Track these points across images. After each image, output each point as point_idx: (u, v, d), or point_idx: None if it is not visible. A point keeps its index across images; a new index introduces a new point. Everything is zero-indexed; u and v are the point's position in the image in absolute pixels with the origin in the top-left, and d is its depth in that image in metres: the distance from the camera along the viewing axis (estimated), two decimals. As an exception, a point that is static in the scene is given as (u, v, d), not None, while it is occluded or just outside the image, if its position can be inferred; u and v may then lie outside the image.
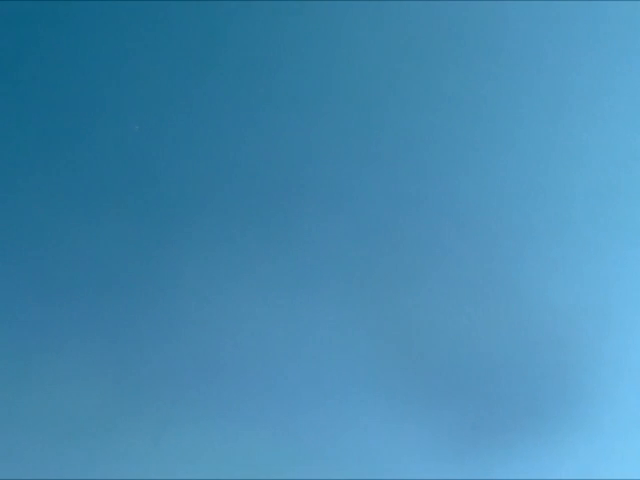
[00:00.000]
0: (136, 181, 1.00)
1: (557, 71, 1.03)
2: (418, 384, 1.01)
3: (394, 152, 1.03)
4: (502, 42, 1.03)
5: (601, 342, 1.01)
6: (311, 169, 1.02)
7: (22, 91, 0.99)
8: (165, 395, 1.01)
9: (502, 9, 1.03)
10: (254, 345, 1.01)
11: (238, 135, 1.01)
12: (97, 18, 0.99)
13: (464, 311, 1.01)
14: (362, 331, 1.01)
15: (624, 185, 1.03)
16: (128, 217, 1.00)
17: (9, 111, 0.97)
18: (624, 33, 1.04)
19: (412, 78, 1.02)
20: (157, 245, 1.00)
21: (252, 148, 1.01)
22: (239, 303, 1.01)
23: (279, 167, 1.02)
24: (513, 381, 1.01)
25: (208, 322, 1.01)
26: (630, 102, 1.03)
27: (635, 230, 1.02)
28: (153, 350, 1.00)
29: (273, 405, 1.01)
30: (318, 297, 1.01)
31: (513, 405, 1.01)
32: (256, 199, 1.01)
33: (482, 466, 1.00)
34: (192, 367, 1.00)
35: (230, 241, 1.01)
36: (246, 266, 1.01)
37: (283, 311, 1.01)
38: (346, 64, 1.02)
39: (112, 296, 1.00)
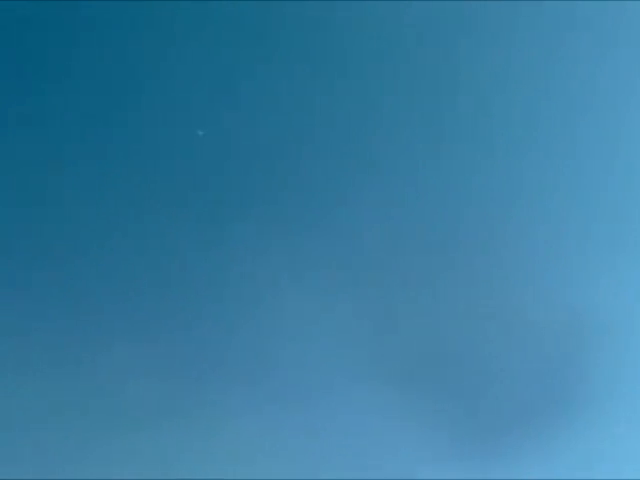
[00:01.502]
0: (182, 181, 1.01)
1: (558, 70, 1.04)
2: (417, 382, 1.01)
3: (394, 154, 1.03)
4: (502, 41, 1.03)
5: (602, 342, 1.01)
6: (320, 169, 1.03)
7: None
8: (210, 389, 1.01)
9: (500, 9, 1.03)
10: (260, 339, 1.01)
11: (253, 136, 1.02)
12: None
13: (466, 310, 1.01)
14: (364, 329, 1.02)
15: (627, 185, 1.03)
16: (179, 216, 1.01)
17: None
18: (626, 34, 1.04)
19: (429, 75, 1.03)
20: (202, 244, 1.01)
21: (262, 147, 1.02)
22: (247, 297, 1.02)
23: (282, 168, 1.03)
24: (513, 380, 1.01)
25: (210, 317, 1.01)
26: (631, 101, 1.03)
27: (636, 228, 1.02)
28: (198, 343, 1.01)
29: (275, 400, 1.01)
30: (322, 290, 1.02)
31: (513, 404, 1.01)
32: (270, 198, 1.02)
33: (481, 466, 1.00)
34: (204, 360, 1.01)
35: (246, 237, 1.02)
36: (257, 261, 1.02)
37: (286, 302, 1.02)
38: (354, 64, 1.03)
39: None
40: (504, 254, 1.02)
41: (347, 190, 1.03)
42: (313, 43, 1.03)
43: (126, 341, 1.00)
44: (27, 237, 1.01)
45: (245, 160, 1.02)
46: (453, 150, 1.03)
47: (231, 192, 1.02)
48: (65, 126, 1.01)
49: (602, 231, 1.03)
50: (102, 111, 1.01)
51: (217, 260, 1.01)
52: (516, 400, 1.01)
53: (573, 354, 1.01)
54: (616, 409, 1.01)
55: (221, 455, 1.00)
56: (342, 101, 1.03)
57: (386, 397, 1.01)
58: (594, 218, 1.03)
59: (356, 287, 1.02)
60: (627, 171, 1.04)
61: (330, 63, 1.03)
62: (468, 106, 1.04)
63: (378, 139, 1.03)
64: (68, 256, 1.01)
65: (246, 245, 1.01)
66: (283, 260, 1.02)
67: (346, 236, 1.02)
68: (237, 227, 1.01)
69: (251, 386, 1.01)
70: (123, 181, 1.01)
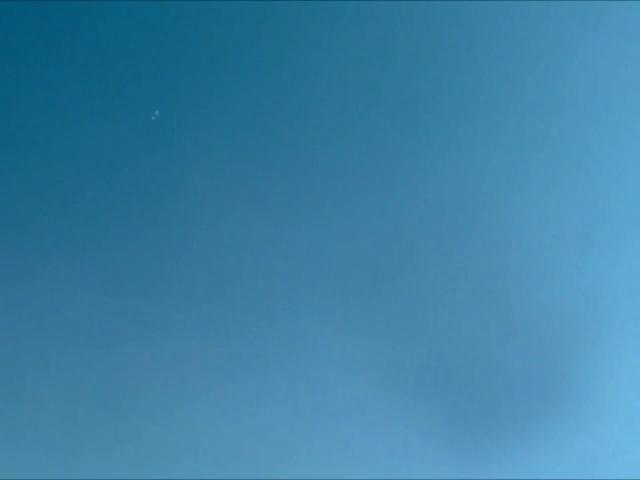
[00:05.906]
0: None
1: (555, 71, 1.04)
2: (415, 382, 1.01)
3: (389, 156, 1.04)
4: (500, 41, 1.04)
5: (601, 341, 1.01)
6: (310, 173, 1.03)
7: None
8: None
9: (500, 10, 1.03)
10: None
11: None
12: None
13: (462, 308, 1.01)
14: (360, 329, 1.02)
15: (626, 181, 1.03)
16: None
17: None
18: (625, 35, 1.04)
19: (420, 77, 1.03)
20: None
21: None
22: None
23: (274, 171, 1.03)
24: (512, 380, 1.01)
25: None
26: (629, 99, 1.03)
27: (635, 224, 1.02)
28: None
29: (268, 397, 1.01)
30: (318, 291, 1.02)
31: (512, 404, 1.01)
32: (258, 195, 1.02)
33: (480, 466, 1.00)
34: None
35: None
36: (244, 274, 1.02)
37: (282, 309, 1.02)
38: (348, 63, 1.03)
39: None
40: (501, 254, 1.02)
41: (345, 193, 1.03)
42: (305, 45, 1.03)
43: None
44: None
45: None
46: (451, 150, 1.04)
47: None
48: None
49: (601, 229, 1.03)
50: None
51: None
52: (515, 400, 1.01)
53: (572, 354, 1.01)
54: (615, 409, 1.01)
55: (215, 456, 1.01)
56: (340, 108, 1.04)
57: (384, 397, 1.01)
58: (592, 216, 1.03)
59: (352, 287, 1.02)
60: (627, 171, 1.04)
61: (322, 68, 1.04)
62: (465, 105, 1.04)
63: (374, 140, 1.04)
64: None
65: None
66: (281, 261, 1.02)
67: (344, 238, 1.03)
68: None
69: (250, 385, 1.01)
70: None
